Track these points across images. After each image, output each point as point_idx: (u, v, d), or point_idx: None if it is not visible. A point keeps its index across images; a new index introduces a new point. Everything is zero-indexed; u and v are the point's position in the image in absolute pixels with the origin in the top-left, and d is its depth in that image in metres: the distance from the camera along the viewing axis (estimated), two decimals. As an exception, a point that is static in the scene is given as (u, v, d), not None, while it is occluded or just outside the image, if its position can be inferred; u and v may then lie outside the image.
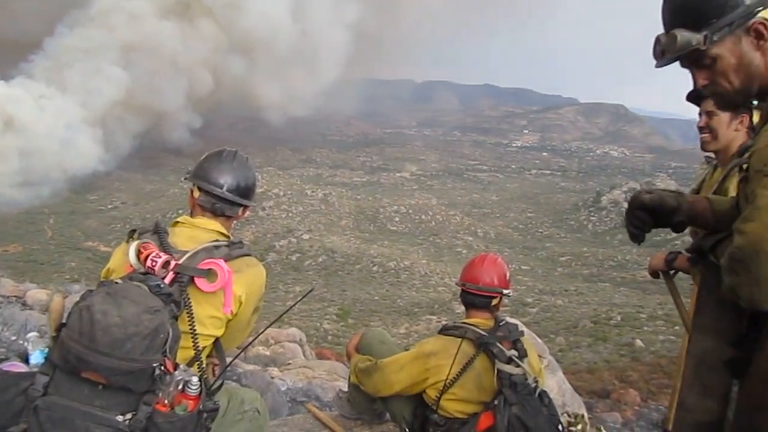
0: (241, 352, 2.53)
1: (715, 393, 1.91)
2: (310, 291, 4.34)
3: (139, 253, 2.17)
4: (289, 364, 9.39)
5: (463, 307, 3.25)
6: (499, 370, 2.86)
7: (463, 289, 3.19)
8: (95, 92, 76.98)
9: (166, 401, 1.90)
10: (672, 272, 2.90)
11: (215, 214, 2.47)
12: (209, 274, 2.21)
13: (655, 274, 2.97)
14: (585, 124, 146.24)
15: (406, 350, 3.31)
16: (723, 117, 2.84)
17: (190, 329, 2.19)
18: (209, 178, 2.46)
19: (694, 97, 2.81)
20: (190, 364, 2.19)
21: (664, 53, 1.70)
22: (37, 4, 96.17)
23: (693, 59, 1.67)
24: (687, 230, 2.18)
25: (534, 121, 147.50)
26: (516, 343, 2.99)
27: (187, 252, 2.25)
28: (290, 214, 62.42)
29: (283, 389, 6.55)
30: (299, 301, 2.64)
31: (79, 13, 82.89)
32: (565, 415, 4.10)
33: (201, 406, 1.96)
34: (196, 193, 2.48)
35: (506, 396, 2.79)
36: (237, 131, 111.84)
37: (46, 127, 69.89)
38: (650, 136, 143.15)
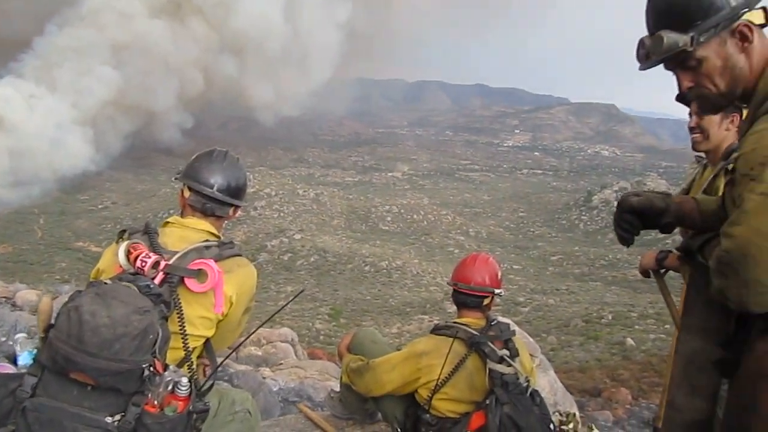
0: (231, 352, 2.52)
1: (704, 392, 1.91)
2: (301, 291, 4.31)
3: (128, 253, 2.16)
4: (281, 364, 9.37)
5: (454, 307, 3.26)
6: (490, 370, 2.86)
7: (454, 289, 3.19)
8: (86, 92, 76.64)
9: (155, 402, 1.89)
10: (663, 271, 2.91)
11: (206, 214, 2.46)
12: (199, 274, 2.20)
13: (645, 273, 2.98)
14: (576, 124, 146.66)
15: (398, 350, 3.31)
16: (714, 117, 2.85)
17: (180, 330, 2.18)
18: (199, 178, 2.45)
19: (683, 98, 2.82)
20: (180, 364, 2.18)
21: (648, 55, 1.70)
22: (26, 3, 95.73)
23: (678, 61, 1.67)
24: (677, 229, 2.19)
25: (525, 121, 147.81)
26: (507, 343, 2.99)
27: (177, 252, 2.24)
28: (282, 214, 62.32)
29: (275, 389, 6.53)
30: (290, 301, 2.63)
31: (69, 12, 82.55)
32: (557, 414, 4.11)
33: (191, 407, 1.95)
34: (187, 193, 2.47)
35: (498, 395, 2.79)
36: (228, 131, 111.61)
37: (36, 126, 69.55)
38: (641, 136, 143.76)
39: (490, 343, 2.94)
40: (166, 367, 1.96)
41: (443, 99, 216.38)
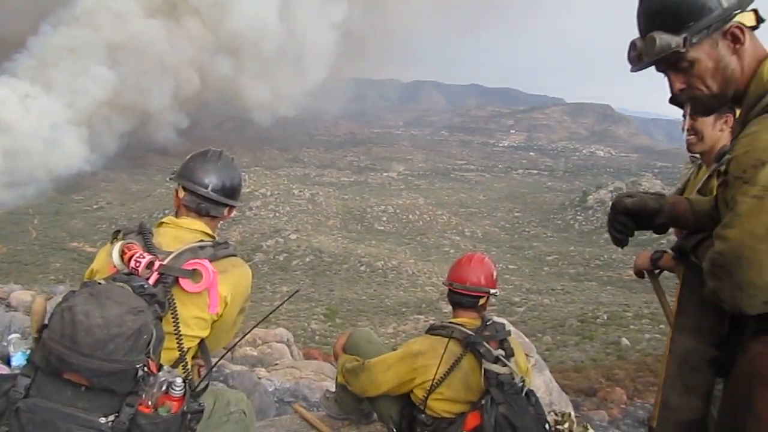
0: (226, 353, 2.51)
1: (698, 392, 1.91)
2: (296, 291, 4.30)
3: (122, 253, 2.15)
4: (277, 364, 9.38)
5: (450, 307, 3.25)
6: (486, 370, 2.86)
7: (450, 289, 3.19)
8: (81, 92, 76.43)
9: (149, 402, 1.88)
10: (657, 271, 2.91)
11: (200, 214, 2.46)
12: (194, 274, 2.19)
13: (640, 273, 2.99)
14: (571, 124, 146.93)
15: (394, 350, 3.31)
16: (707, 118, 2.85)
17: (175, 330, 2.17)
18: (194, 178, 2.45)
19: (677, 100, 2.83)
20: (174, 365, 2.17)
21: (640, 57, 1.70)
22: (20, 2, 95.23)
23: (670, 63, 1.67)
24: (671, 229, 2.19)
25: (521, 121, 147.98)
26: (503, 343, 2.99)
27: (171, 252, 2.23)
28: (277, 214, 62.27)
29: (270, 390, 6.54)
30: (285, 301, 2.63)
31: (64, 12, 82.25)
32: (552, 413, 4.11)
33: (185, 408, 1.94)
34: (181, 193, 2.46)
35: (493, 395, 2.80)
36: (224, 131, 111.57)
37: (31, 126, 69.32)
38: (636, 136, 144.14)
39: (485, 343, 2.94)
40: (160, 368, 1.95)
41: (438, 99, 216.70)
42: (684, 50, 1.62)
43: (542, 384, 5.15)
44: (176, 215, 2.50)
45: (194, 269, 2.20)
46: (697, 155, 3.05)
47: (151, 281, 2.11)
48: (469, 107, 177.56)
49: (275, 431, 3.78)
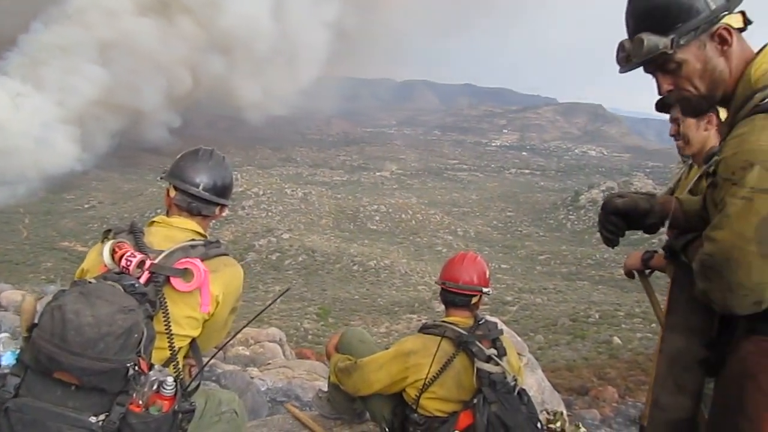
0: (217, 352, 2.50)
1: (689, 391, 1.92)
2: (287, 290, 4.29)
3: (113, 252, 2.14)
4: (269, 364, 9.35)
5: (443, 306, 3.25)
6: (478, 369, 2.86)
7: (443, 288, 3.19)
8: (72, 90, 76.16)
9: (140, 402, 1.87)
10: (648, 271, 2.92)
11: (191, 213, 2.45)
12: (185, 273, 2.18)
13: (630, 274, 3.00)
14: (564, 124, 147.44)
15: (386, 349, 3.31)
16: (690, 121, 2.89)
17: (166, 329, 2.16)
18: (185, 177, 2.44)
19: (662, 106, 2.85)
20: (165, 364, 2.16)
21: (629, 58, 1.70)
22: (10, 0, 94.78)
23: (658, 64, 1.67)
24: (662, 228, 2.20)
25: (513, 121, 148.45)
26: (495, 342, 3.00)
27: (163, 251, 2.22)
28: (270, 214, 62.19)
29: (262, 389, 6.52)
30: (275, 300, 2.62)
31: (55, 10, 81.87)
32: (544, 412, 4.12)
33: (176, 407, 1.94)
34: (172, 193, 2.45)
35: (485, 394, 2.79)
36: (216, 130, 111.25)
37: (22, 125, 68.95)
38: (627, 136, 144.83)
39: (477, 342, 2.94)
40: (151, 367, 1.95)
41: (431, 98, 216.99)
42: (671, 52, 1.62)
43: (534, 383, 5.16)
44: (167, 214, 2.48)
45: (185, 268, 2.19)
46: (689, 156, 3.08)
47: (142, 280, 2.10)
48: (462, 107, 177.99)
49: (267, 431, 3.77)
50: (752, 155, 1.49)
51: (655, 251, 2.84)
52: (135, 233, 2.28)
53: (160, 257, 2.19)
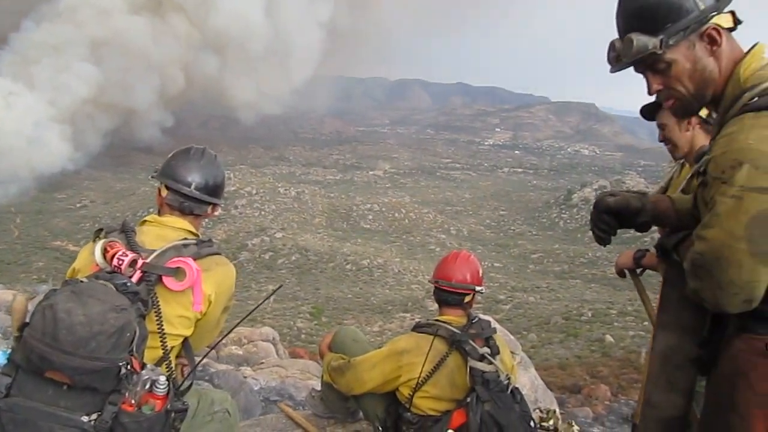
0: (209, 351, 2.50)
1: (681, 389, 1.93)
2: (279, 287, 4.31)
3: (105, 252, 2.13)
4: (262, 363, 9.35)
5: (436, 305, 3.26)
6: (471, 368, 2.86)
7: (436, 287, 3.19)
8: (64, 89, 75.63)
9: (132, 401, 1.87)
10: (640, 270, 2.93)
11: (183, 212, 2.44)
12: (177, 272, 2.18)
13: (621, 273, 3.00)
14: (556, 123, 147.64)
15: (379, 348, 3.31)
16: (671, 125, 2.90)
17: (158, 329, 2.16)
18: (177, 176, 2.43)
19: (647, 113, 2.88)
20: (158, 364, 2.16)
21: (619, 58, 1.71)
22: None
23: (648, 64, 1.68)
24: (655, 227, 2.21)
25: (506, 120, 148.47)
26: (488, 340, 3.00)
27: (155, 251, 2.22)
28: (263, 213, 62.03)
29: (256, 389, 6.51)
30: (267, 298, 2.63)
31: (46, 8, 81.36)
32: (537, 411, 4.13)
33: (169, 406, 1.93)
34: (164, 192, 2.45)
35: (479, 393, 2.80)
36: (209, 129, 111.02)
37: (14, 124, 68.50)
38: (620, 135, 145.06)
39: (470, 341, 2.95)
40: (143, 366, 1.94)
41: (424, 97, 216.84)
42: (661, 52, 1.63)
43: (527, 381, 5.18)
44: (159, 213, 2.48)
45: (178, 267, 2.18)
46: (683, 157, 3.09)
47: (134, 279, 2.10)
48: (455, 106, 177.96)
49: (261, 430, 3.77)
50: (741, 154, 1.50)
51: (647, 250, 2.86)
52: (127, 232, 2.27)
53: (152, 256, 2.19)
